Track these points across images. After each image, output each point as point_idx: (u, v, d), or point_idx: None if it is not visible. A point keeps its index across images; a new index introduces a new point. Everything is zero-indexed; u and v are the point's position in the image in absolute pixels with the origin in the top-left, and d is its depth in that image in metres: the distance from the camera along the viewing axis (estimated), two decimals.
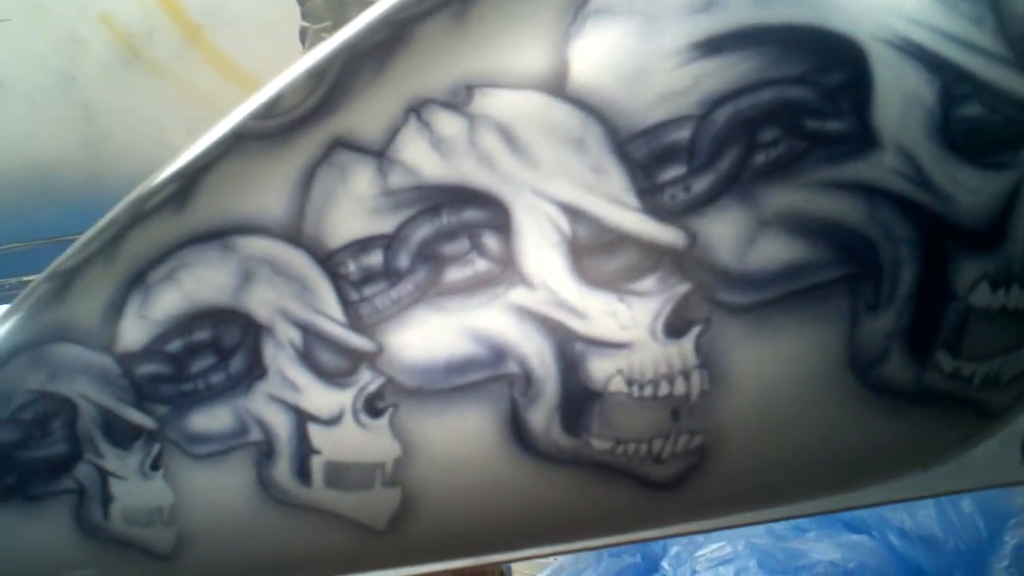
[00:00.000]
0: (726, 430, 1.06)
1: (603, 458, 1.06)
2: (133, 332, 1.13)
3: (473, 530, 1.13)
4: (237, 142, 1.14)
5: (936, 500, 2.70)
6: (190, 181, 1.15)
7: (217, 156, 1.15)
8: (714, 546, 2.80)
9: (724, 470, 1.08)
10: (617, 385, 1.03)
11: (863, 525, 2.79)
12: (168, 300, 1.12)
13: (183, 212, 1.14)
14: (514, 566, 3.09)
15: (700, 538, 2.85)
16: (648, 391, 1.03)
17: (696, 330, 1.03)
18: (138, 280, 1.13)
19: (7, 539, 1.18)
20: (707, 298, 1.02)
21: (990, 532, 2.66)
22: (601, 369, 1.03)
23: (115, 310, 1.14)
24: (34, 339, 1.17)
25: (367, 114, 1.10)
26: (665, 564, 2.89)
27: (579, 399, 1.04)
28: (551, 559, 3.05)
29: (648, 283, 1.02)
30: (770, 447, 1.09)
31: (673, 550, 2.89)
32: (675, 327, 1.03)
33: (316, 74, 1.14)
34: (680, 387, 1.03)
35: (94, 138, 3.19)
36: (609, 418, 1.05)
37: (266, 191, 1.11)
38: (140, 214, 1.16)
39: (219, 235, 1.12)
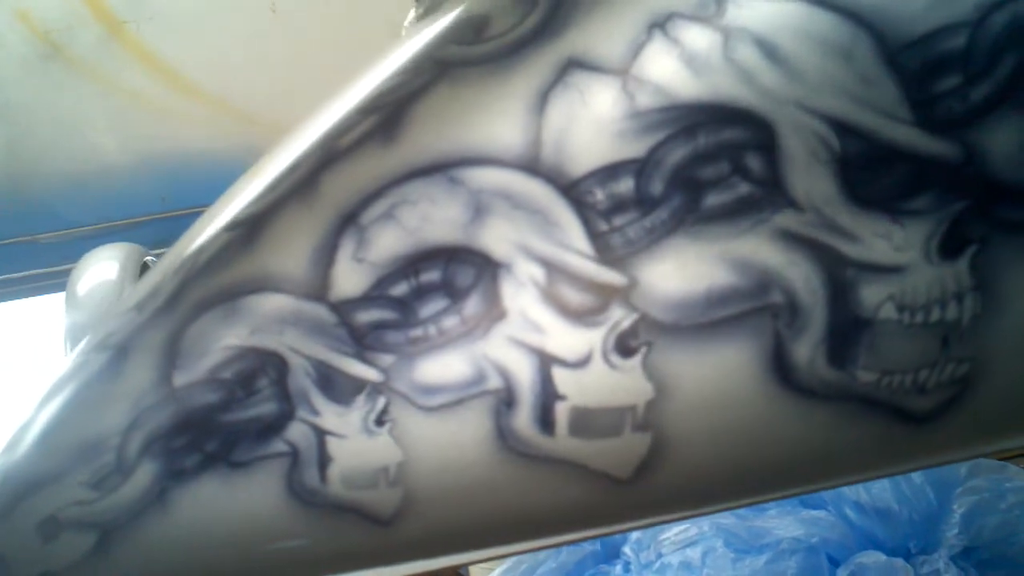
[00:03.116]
0: (994, 357, 0.97)
1: (866, 391, 0.97)
2: (349, 277, 0.99)
3: (724, 475, 1.03)
4: (444, 70, 1.02)
5: None
6: (393, 113, 1.01)
7: (421, 86, 1.02)
8: (678, 529, 2.73)
9: (985, 400, 1.00)
10: (887, 312, 0.95)
11: (820, 501, 2.78)
12: (389, 240, 0.99)
13: (393, 146, 1.01)
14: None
15: None
16: (919, 317, 0.95)
17: (972, 250, 0.95)
18: (349, 221, 1.00)
19: (207, 510, 1.04)
20: (983, 215, 0.94)
21: (940, 501, 2.67)
22: (871, 295, 0.94)
23: (325, 255, 1.00)
24: (224, 292, 1.02)
25: (602, 32, 0.99)
26: (627, 550, 2.81)
27: (847, 329, 0.95)
28: None
29: (922, 201, 0.94)
30: None
31: (634, 536, 2.81)
32: (950, 247, 0.94)
33: None
34: (952, 311, 0.95)
35: (13, 137, 2.96)
36: (877, 348, 0.96)
37: (493, 119, 0.99)
38: (334, 152, 1.03)
39: (443, 168, 0.99)
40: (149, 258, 2.52)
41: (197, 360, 1.01)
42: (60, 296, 3.01)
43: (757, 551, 2.62)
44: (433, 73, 1.02)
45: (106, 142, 2.96)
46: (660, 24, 0.95)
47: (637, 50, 0.95)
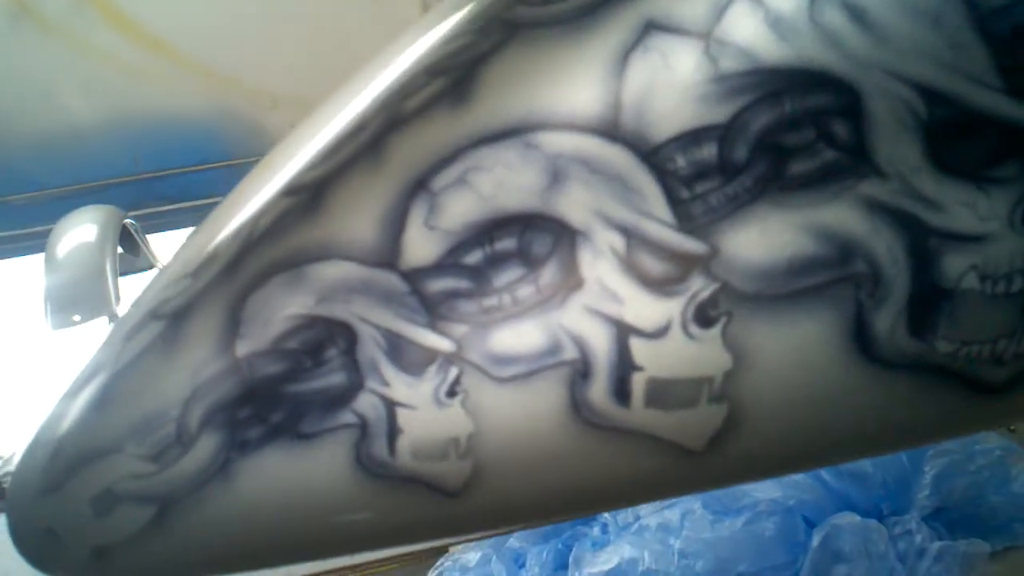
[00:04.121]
0: None
1: (944, 361, 0.95)
2: (421, 244, 0.94)
3: (795, 443, 1.00)
4: (514, 31, 0.97)
5: None
6: (463, 75, 0.96)
7: (491, 47, 0.97)
8: None
9: None
10: (969, 282, 0.92)
11: None
12: (462, 207, 0.94)
13: (465, 110, 0.96)
14: None
15: None
16: (1001, 287, 0.93)
17: None
18: (419, 187, 0.95)
19: (271, 482, 1.00)
20: None
21: (912, 464, 2.69)
22: (954, 265, 0.92)
23: (395, 221, 0.95)
24: (287, 259, 0.97)
25: None
26: (605, 513, 2.79)
27: (928, 298, 0.92)
28: None
29: (1009, 168, 0.91)
30: None
31: None
32: None
33: None
34: None
35: None
36: (958, 318, 0.93)
37: (570, 82, 0.94)
38: (399, 115, 0.98)
39: (517, 132, 0.94)
40: (128, 220, 2.44)
41: (260, 329, 0.96)
42: (31, 258, 2.93)
43: (735, 513, 2.62)
44: (502, 34, 0.97)
45: (77, 103, 2.86)
46: None
47: (720, 12, 0.91)
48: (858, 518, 2.58)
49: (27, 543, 1.06)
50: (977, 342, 0.94)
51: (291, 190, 0.99)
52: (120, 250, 2.50)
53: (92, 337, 1.35)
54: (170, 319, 0.99)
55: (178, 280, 1.02)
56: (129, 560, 1.02)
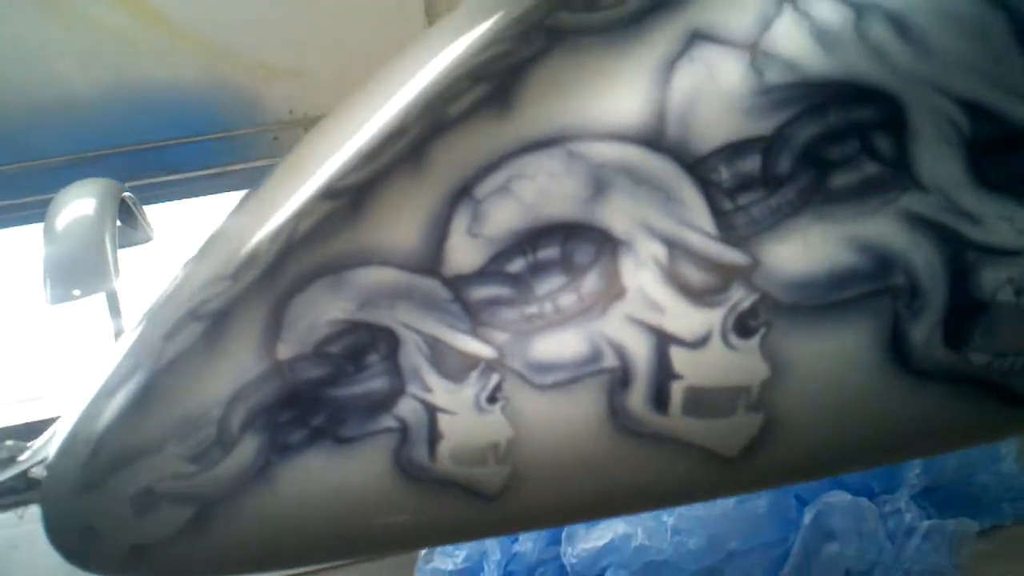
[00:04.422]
0: None
1: (977, 372, 0.95)
2: (464, 251, 0.94)
3: (829, 450, 1.02)
4: (559, 38, 0.97)
5: None
6: (506, 82, 0.96)
7: (534, 54, 0.97)
8: None
9: None
10: (1005, 295, 0.93)
11: None
12: (505, 215, 0.94)
13: (509, 117, 0.96)
14: None
15: None
16: None
17: None
18: (463, 194, 0.95)
19: (311, 485, 1.00)
20: None
21: None
22: (991, 278, 0.93)
23: (437, 228, 0.95)
24: (330, 263, 0.97)
25: (729, 4, 0.94)
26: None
27: (965, 311, 0.93)
28: None
29: None
30: None
31: None
32: None
33: None
34: None
35: None
36: (992, 330, 0.94)
37: (614, 91, 0.94)
38: (442, 120, 0.98)
39: (562, 141, 0.94)
40: (126, 194, 2.42)
41: (303, 333, 0.96)
42: (25, 228, 2.90)
43: None
44: (546, 41, 0.97)
45: (73, 74, 2.84)
46: None
47: (766, 23, 0.91)
48: (849, 496, 2.60)
49: (63, 539, 1.07)
50: (1011, 354, 0.95)
51: (331, 194, 0.99)
52: (118, 223, 2.49)
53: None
54: (211, 320, 0.99)
55: (217, 281, 1.01)
56: (167, 558, 1.03)
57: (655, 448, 0.98)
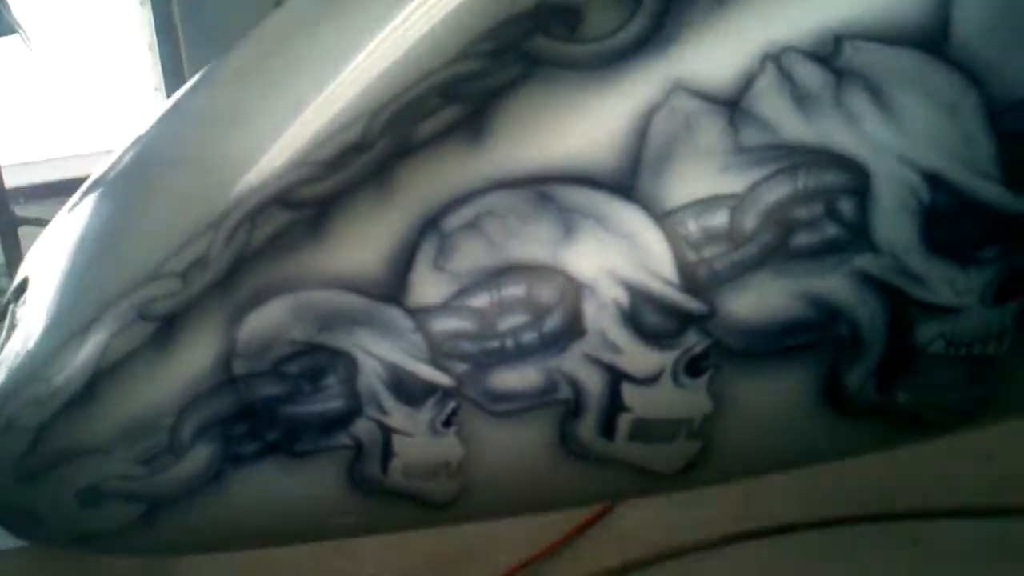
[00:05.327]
0: (1014, 391, 1.03)
1: (900, 408, 1.02)
2: (429, 285, 0.95)
3: (756, 466, 1.12)
4: (535, 67, 0.95)
5: None
6: (479, 108, 0.94)
7: (509, 81, 0.95)
8: None
9: (992, 414, 1.07)
10: (937, 347, 0.98)
11: None
12: (472, 251, 0.94)
13: (480, 148, 0.94)
14: None
15: None
16: (963, 352, 0.99)
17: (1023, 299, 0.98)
18: (430, 225, 0.94)
19: (263, 492, 1.02)
20: None
21: None
22: (926, 332, 0.98)
23: (403, 258, 0.95)
24: (290, 282, 0.96)
25: (713, 55, 0.93)
26: None
27: (898, 360, 0.98)
28: None
29: (990, 251, 0.96)
30: None
31: None
32: (1005, 293, 0.97)
33: None
34: (992, 347, 0.99)
35: None
36: (919, 376, 1.00)
37: (590, 134, 0.93)
38: (410, 140, 0.96)
39: (534, 182, 0.94)
40: None
41: (260, 350, 0.96)
42: None
43: None
44: (522, 68, 0.94)
45: None
46: (775, 56, 0.91)
47: (749, 81, 0.91)
48: None
49: (6, 519, 1.07)
50: (932, 394, 1.01)
51: (291, 203, 0.97)
52: None
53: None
54: (161, 323, 0.97)
55: (164, 277, 0.99)
56: (115, 544, 1.04)
57: (598, 468, 1.02)
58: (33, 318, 1.10)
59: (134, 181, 1.29)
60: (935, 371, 0.99)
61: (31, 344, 1.06)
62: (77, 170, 4.60)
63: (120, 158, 1.35)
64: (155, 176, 1.24)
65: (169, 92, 4.63)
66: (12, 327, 1.16)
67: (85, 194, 1.33)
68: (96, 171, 1.39)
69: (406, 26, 1.04)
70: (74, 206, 1.31)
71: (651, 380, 0.96)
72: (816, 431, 1.01)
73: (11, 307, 1.24)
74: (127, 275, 1.02)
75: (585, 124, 0.92)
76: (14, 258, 3.25)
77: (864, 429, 1.03)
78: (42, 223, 3.14)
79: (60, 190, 4.56)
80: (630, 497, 1.14)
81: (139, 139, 1.36)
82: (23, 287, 1.23)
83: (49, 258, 1.22)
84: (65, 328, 1.04)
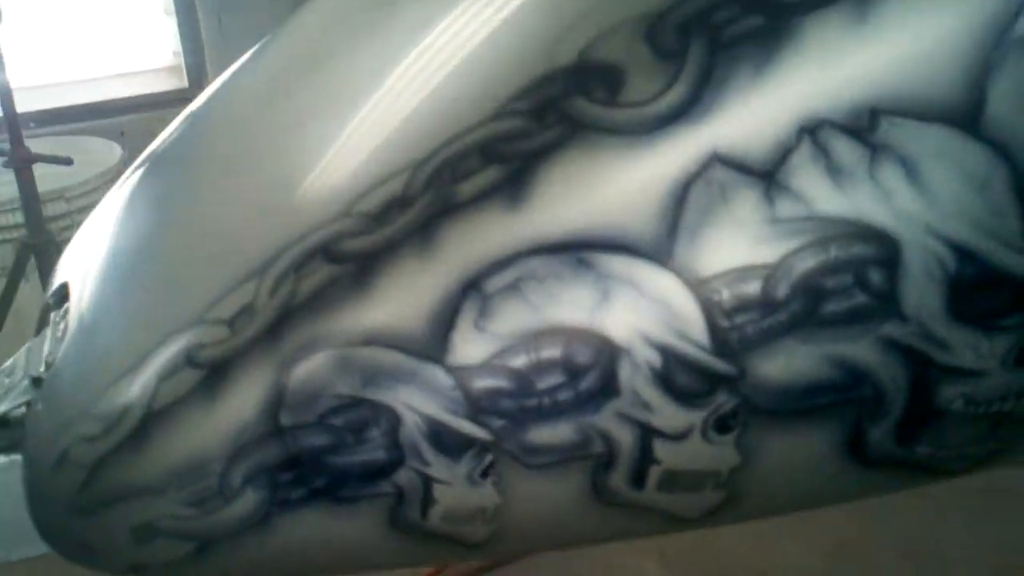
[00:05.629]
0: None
1: (919, 461, 1.06)
2: (470, 345, 0.98)
3: (778, 510, 1.15)
4: (576, 130, 0.97)
5: None
6: (520, 170, 0.97)
7: (550, 143, 0.97)
8: None
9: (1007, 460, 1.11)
10: (958, 406, 1.02)
11: None
12: (513, 314, 0.97)
13: (522, 211, 0.97)
14: None
15: None
16: (982, 409, 1.03)
17: None
18: (472, 287, 0.97)
19: (308, 534, 1.06)
20: None
21: None
22: (948, 393, 1.01)
23: (445, 318, 0.98)
24: (335, 338, 0.99)
25: (750, 126, 0.95)
26: None
27: (920, 418, 1.02)
28: None
29: (1013, 319, 0.99)
30: None
31: None
32: None
33: (669, 54, 0.97)
34: (1010, 405, 1.03)
35: None
36: (939, 431, 1.03)
37: (629, 201, 0.96)
38: (451, 199, 0.98)
39: (573, 248, 0.97)
40: None
41: (306, 403, 0.99)
42: None
43: None
44: (563, 130, 0.96)
45: None
46: (811, 130, 0.93)
47: (784, 154, 0.93)
48: None
49: (60, 546, 1.12)
50: (951, 448, 1.05)
51: (334, 256, 0.99)
52: None
53: None
54: (209, 370, 1.01)
55: (211, 324, 1.02)
56: (166, 573, 1.09)
57: (626, 513, 1.07)
58: (79, 342, 1.13)
59: (182, 179, 1.30)
60: (954, 428, 1.03)
61: (81, 378, 1.09)
62: (86, 95, 4.61)
63: (171, 142, 1.36)
64: (203, 182, 1.26)
65: (179, 15, 4.58)
66: (56, 339, 1.19)
67: (130, 181, 1.34)
68: (146, 152, 1.41)
69: (442, 58, 1.06)
70: (118, 196, 1.32)
71: (681, 436, 1.00)
72: (838, 480, 1.05)
73: (52, 315, 1.27)
74: (175, 314, 1.05)
75: (624, 191, 0.95)
76: (30, 196, 3.25)
77: (884, 476, 1.07)
78: (59, 161, 3.18)
79: (70, 116, 4.59)
80: (651, 535, 1.17)
81: (194, 118, 1.37)
82: (63, 293, 1.26)
83: (90, 262, 1.24)
84: (115, 364, 1.07)
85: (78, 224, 3.03)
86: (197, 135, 1.33)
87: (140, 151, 1.44)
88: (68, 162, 3.31)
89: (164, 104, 4.37)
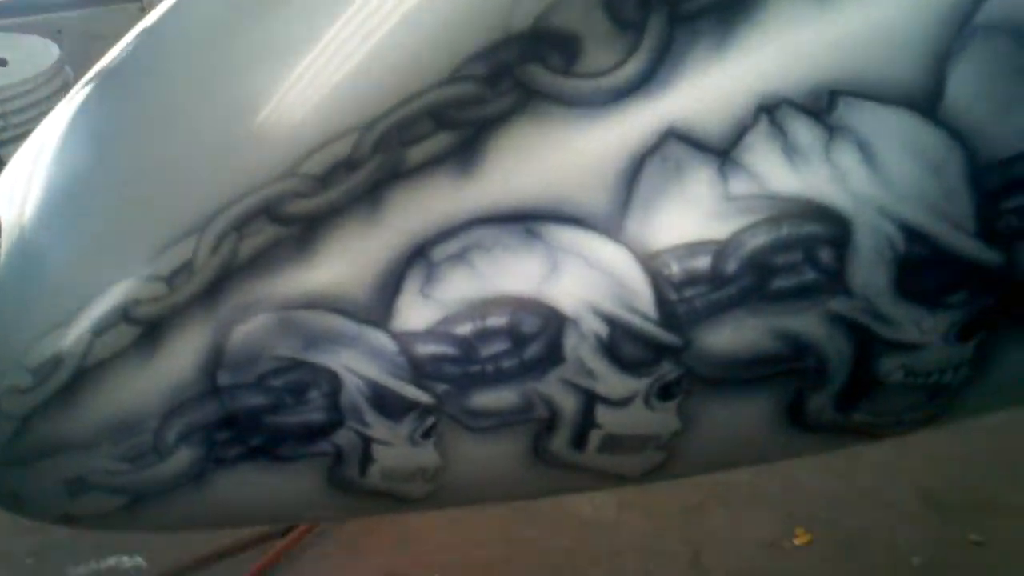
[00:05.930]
0: (965, 408, 1.09)
1: (855, 426, 1.07)
2: (415, 310, 0.97)
3: (710, 468, 1.19)
4: (529, 98, 0.95)
5: None
6: (471, 137, 0.95)
7: (502, 112, 0.95)
8: None
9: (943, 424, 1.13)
10: (896, 377, 1.03)
11: None
12: (459, 282, 0.96)
13: (471, 179, 0.95)
14: None
15: None
16: (920, 380, 1.04)
17: (982, 335, 1.02)
18: (419, 253, 0.96)
19: (243, 490, 1.06)
20: (1003, 311, 1.01)
21: None
22: (888, 365, 1.02)
23: (390, 284, 0.96)
24: (276, 301, 0.98)
25: (708, 102, 0.93)
26: None
27: (859, 388, 1.03)
28: None
29: (957, 297, 0.99)
30: None
31: None
32: (968, 332, 1.01)
33: (628, 25, 0.95)
34: (948, 377, 1.04)
35: None
36: (878, 400, 1.05)
37: (582, 173, 0.94)
38: (400, 165, 0.96)
39: (523, 219, 0.95)
40: None
41: (245, 364, 0.97)
42: None
43: None
44: (516, 97, 0.94)
45: None
46: (768, 108, 0.91)
47: (741, 132, 0.91)
48: None
49: None
50: (888, 415, 1.06)
51: (278, 217, 0.97)
52: None
53: None
54: (146, 327, 0.99)
55: (150, 279, 0.99)
56: (99, 524, 1.08)
57: (566, 473, 1.07)
58: (10, 287, 1.09)
59: (129, 109, 1.22)
60: (892, 397, 1.04)
61: (10, 324, 1.06)
62: None
63: (121, 60, 1.28)
64: (151, 115, 1.18)
65: None
66: None
67: (75, 101, 1.25)
68: (95, 69, 1.31)
69: (401, 11, 1.02)
70: (62, 117, 1.24)
71: (624, 402, 1.00)
72: (774, 442, 1.06)
73: None
74: (111, 262, 1.02)
75: (577, 163, 0.93)
76: None
77: (819, 439, 1.09)
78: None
79: (3, 11, 4.44)
80: (589, 491, 1.18)
81: (147, 37, 1.28)
82: None
83: (28, 192, 1.17)
84: (46, 315, 1.04)
85: (12, 127, 2.95)
86: (148, 59, 1.26)
87: (77, 51, 1.35)
88: (2, 63, 3.21)
89: (104, 0, 4.23)
